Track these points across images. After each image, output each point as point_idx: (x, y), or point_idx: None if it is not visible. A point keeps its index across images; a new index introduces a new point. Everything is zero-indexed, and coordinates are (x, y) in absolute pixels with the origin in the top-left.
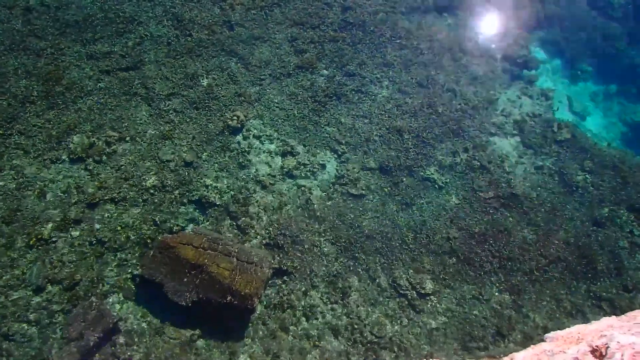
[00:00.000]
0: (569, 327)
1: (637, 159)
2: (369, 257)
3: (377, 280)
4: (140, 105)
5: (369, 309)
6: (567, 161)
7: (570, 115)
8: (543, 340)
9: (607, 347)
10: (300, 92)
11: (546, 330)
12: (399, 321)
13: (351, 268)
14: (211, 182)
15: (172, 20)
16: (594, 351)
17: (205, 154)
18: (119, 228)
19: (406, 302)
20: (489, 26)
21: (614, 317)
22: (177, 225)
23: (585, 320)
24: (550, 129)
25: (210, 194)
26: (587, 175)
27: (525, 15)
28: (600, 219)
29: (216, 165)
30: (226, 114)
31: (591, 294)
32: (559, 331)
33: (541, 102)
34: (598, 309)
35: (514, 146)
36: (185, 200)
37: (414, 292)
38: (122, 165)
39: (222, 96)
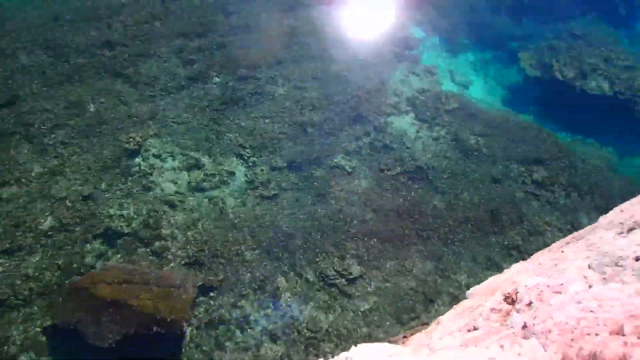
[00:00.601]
0: (486, 280)
1: (518, 117)
2: (293, 254)
3: (305, 276)
4: (20, 144)
5: (302, 306)
6: (459, 128)
7: (455, 86)
8: (466, 298)
9: (517, 292)
10: (196, 103)
11: (469, 287)
12: (333, 311)
13: (277, 269)
14: (115, 212)
15: (44, 47)
16: (506, 298)
17: (104, 183)
18: (18, 282)
19: (337, 291)
20: (372, 13)
21: (522, 262)
22: (85, 264)
23: (500, 271)
24: (440, 101)
25: (117, 223)
26: (478, 138)
27: None
28: (497, 175)
29: (118, 192)
30: (120, 137)
31: (501, 245)
32: (477, 286)
33: (427, 78)
34: (510, 257)
35: (410, 122)
36: (89, 236)
37: (343, 279)
38: (10, 212)
39: (113, 120)
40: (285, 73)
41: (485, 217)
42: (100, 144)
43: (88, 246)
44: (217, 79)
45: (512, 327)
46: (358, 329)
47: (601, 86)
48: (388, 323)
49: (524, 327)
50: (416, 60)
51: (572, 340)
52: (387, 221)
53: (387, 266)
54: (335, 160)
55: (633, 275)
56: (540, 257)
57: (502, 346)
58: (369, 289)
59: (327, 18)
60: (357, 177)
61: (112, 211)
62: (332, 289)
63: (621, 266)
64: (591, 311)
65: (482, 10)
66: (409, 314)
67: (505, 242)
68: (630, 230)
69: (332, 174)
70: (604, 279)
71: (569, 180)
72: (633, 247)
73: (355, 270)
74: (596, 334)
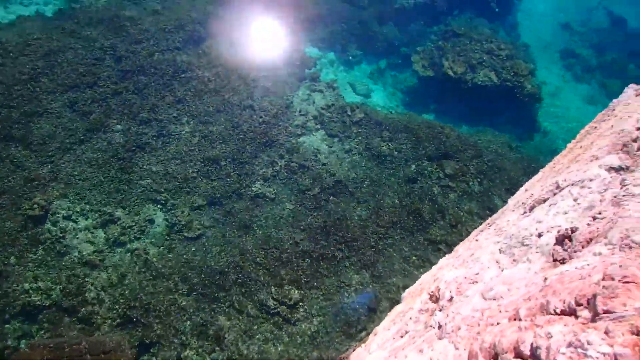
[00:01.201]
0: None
1: (420, 118)
2: (229, 291)
3: (246, 311)
4: None
5: (248, 342)
6: (369, 137)
7: (357, 97)
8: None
9: (439, 289)
10: (100, 155)
11: (406, 289)
12: (280, 341)
13: (216, 310)
14: (31, 285)
15: None
16: (431, 297)
17: (12, 257)
18: None
19: (280, 319)
20: (266, 40)
21: (446, 256)
22: (8, 347)
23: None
24: (346, 114)
25: (34, 298)
26: (388, 144)
27: (291, 21)
28: (412, 175)
29: (30, 264)
30: (23, 205)
31: (429, 241)
32: (410, 288)
33: (330, 94)
34: (438, 252)
35: (321, 139)
36: (7, 317)
37: (284, 307)
38: None
39: (12, 187)
40: (188, 110)
41: (409, 217)
42: (1, 216)
43: (8, 327)
44: (118, 127)
45: (434, 328)
46: (308, 354)
47: (489, 77)
48: (337, 340)
49: (439, 326)
50: (316, 78)
51: (478, 333)
52: (317, 240)
53: (326, 284)
54: (254, 189)
55: (537, 252)
56: (460, 249)
57: (420, 351)
58: (312, 310)
59: (223, 49)
60: (280, 202)
61: (27, 285)
62: (276, 318)
63: (527, 245)
64: (494, 299)
65: (370, 23)
66: (355, 327)
67: (432, 238)
68: (532, 208)
69: (255, 203)
70: (513, 260)
71: (478, 168)
72: (535, 225)
73: (295, 295)
74: (497, 323)
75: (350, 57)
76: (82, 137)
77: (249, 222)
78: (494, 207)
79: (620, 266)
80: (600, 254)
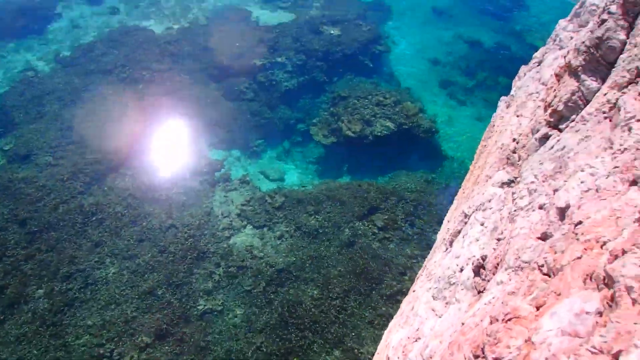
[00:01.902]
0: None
1: (337, 182)
2: None
3: None
4: None
5: None
6: (295, 217)
7: (273, 183)
8: None
9: (388, 357)
10: (27, 329)
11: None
12: None
13: None
14: None
15: None
16: None
17: None
18: None
19: None
20: (169, 159)
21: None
22: None
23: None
24: (267, 203)
25: None
26: (316, 217)
27: (189, 131)
28: (348, 239)
29: None
30: None
31: (385, 297)
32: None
33: (245, 188)
34: (398, 304)
35: (251, 234)
36: None
37: None
38: None
39: None
40: (109, 250)
41: (359, 280)
42: None
43: None
44: (39, 292)
45: None
46: None
47: (386, 125)
48: None
49: None
50: (227, 178)
51: None
52: (278, 336)
53: None
54: (200, 307)
55: (463, 289)
56: (403, 304)
57: None
58: None
59: (128, 178)
60: (230, 310)
61: None
62: None
63: (454, 284)
64: (430, 357)
65: (262, 111)
66: None
67: (387, 293)
68: (451, 242)
69: (204, 321)
70: (446, 303)
71: (405, 211)
72: (455, 261)
73: None
74: None
75: (255, 148)
76: (1, 317)
77: (204, 343)
78: (432, 242)
79: (502, 302)
80: (501, 282)
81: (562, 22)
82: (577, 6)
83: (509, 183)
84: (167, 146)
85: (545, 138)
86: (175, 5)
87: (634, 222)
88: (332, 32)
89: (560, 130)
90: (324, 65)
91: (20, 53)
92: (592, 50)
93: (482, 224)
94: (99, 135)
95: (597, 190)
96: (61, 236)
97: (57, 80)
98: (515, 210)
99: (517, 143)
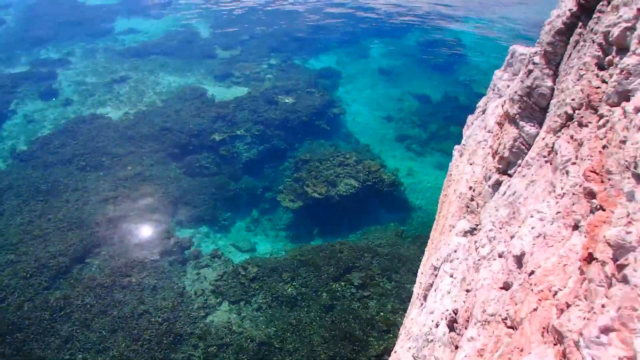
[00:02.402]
0: None
1: (309, 246)
2: None
3: None
4: None
5: None
6: (271, 286)
7: (245, 254)
8: None
9: None
10: None
11: None
12: None
13: None
14: None
15: None
16: None
17: None
18: None
19: None
20: (133, 238)
21: None
22: None
23: None
24: (241, 275)
25: None
26: (292, 284)
27: (153, 212)
28: (327, 302)
29: None
30: None
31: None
32: None
33: (217, 263)
34: None
35: (228, 310)
36: None
37: None
38: None
39: None
40: (80, 345)
41: (344, 344)
42: None
43: None
44: None
45: None
46: None
47: (350, 184)
48: None
49: None
50: (198, 254)
51: None
52: None
53: None
54: None
55: (440, 345)
56: None
57: None
58: None
59: (97, 269)
60: None
61: None
62: None
63: (431, 341)
64: None
65: (227, 183)
66: None
67: (374, 354)
68: (425, 297)
69: None
70: None
71: (381, 266)
72: (430, 317)
73: None
74: None
75: (223, 221)
76: None
77: None
78: (411, 294)
79: None
80: (471, 338)
81: (497, 72)
82: (508, 57)
83: (471, 231)
84: (133, 229)
85: (498, 184)
86: (130, 91)
87: (577, 269)
88: (287, 101)
89: (510, 176)
90: (282, 133)
91: None
92: (525, 99)
93: (451, 275)
94: (61, 226)
95: (544, 237)
96: (28, 336)
97: (14, 175)
98: (478, 260)
99: (474, 191)
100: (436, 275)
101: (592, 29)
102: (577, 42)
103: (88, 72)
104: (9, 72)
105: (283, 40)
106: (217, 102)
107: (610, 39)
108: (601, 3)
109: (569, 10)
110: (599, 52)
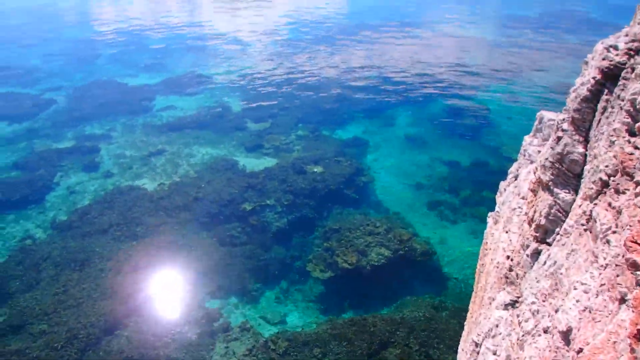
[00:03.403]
0: None
1: (341, 319)
2: None
3: None
4: None
5: None
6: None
7: (274, 327)
8: None
9: None
10: None
11: None
12: None
13: None
14: None
15: None
16: None
17: None
18: None
19: None
20: (162, 310)
21: None
22: None
23: None
24: (270, 350)
25: None
26: (325, 359)
27: (182, 284)
28: None
29: None
30: None
31: None
32: None
33: (247, 336)
34: None
35: None
36: None
37: None
38: None
39: None
40: None
41: None
42: None
43: None
44: None
45: None
46: None
47: (381, 253)
48: None
49: None
50: (227, 327)
51: None
52: None
53: None
54: None
55: None
56: None
57: None
58: None
59: (125, 342)
60: None
61: None
62: None
63: None
64: None
65: (256, 253)
66: None
67: None
68: None
69: None
70: None
71: (419, 342)
72: None
73: None
74: None
75: (252, 292)
76: None
77: None
78: None
79: None
80: None
81: (527, 138)
82: (537, 122)
83: (513, 304)
84: (162, 301)
85: (537, 253)
86: (165, 163)
87: (628, 346)
88: (315, 170)
89: (549, 245)
90: (312, 202)
91: (19, 223)
92: (557, 165)
93: (494, 353)
94: (94, 295)
95: (590, 311)
96: None
97: (53, 245)
98: (522, 336)
99: (512, 260)
100: (478, 352)
101: (619, 95)
102: (604, 108)
103: (128, 146)
104: (55, 147)
105: (310, 112)
106: (247, 172)
107: (638, 106)
108: (625, 70)
109: (593, 78)
110: (627, 118)
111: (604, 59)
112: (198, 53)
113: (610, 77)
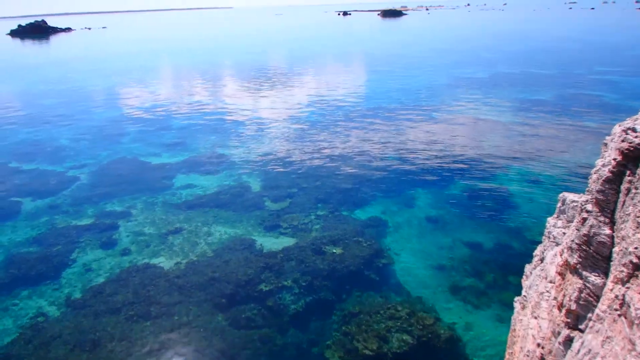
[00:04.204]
0: None
1: None
2: None
3: None
4: None
5: None
6: None
7: None
8: None
9: None
10: None
11: None
12: None
13: None
14: None
15: None
16: None
17: None
18: None
19: None
20: None
21: None
22: None
23: None
24: None
25: None
26: None
27: None
28: None
29: None
30: None
31: None
32: None
33: None
34: None
35: None
36: None
37: None
38: None
39: None
40: None
41: None
42: None
43: None
44: None
45: None
46: None
47: (403, 339)
48: None
49: None
50: None
51: None
52: None
53: None
54: None
55: None
56: None
57: None
58: None
59: None
60: None
61: None
62: None
63: None
64: None
65: (273, 337)
66: None
67: None
68: None
69: None
70: None
71: None
72: None
73: None
74: None
75: None
76: None
77: None
78: None
79: None
80: None
81: (550, 220)
82: (559, 204)
83: None
84: None
85: (569, 340)
86: (183, 242)
87: None
88: (334, 251)
89: (582, 331)
90: (330, 284)
91: (32, 299)
92: (584, 247)
93: None
94: None
95: None
96: None
97: (65, 324)
98: None
99: (543, 348)
100: None
101: None
102: (628, 190)
103: (146, 224)
104: (75, 224)
105: (329, 192)
106: (265, 252)
107: None
108: None
109: (614, 159)
110: None
111: (623, 141)
112: (219, 133)
113: (631, 158)
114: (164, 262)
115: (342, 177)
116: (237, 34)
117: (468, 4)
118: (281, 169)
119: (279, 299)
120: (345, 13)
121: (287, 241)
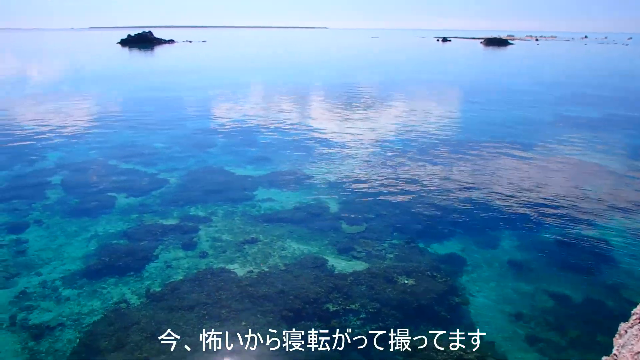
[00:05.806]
0: None
1: None
2: None
3: None
4: None
5: None
6: None
7: None
8: None
9: None
10: None
11: None
12: None
13: None
14: None
15: None
16: None
17: None
18: None
19: None
20: None
21: None
22: None
23: None
24: None
25: None
26: None
27: None
28: None
29: None
30: None
31: None
32: None
33: None
34: None
35: None
36: None
37: None
38: None
39: None
40: None
41: None
42: None
43: None
44: None
45: None
46: None
47: None
48: None
49: None
50: None
51: None
52: None
53: None
54: None
55: None
56: None
57: None
58: None
59: None
60: None
61: None
62: None
63: None
64: None
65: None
66: None
67: None
68: None
69: None
70: None
71: None
72: None
73: None
74: None
75: None
76: None
77: None
78: None
79: None
80: None
81: None
82: None
83: None
84: None
85: None
86: (257, 252)
87: None
88: (406, 281)
89: None
90: (398, 314)
91: (118, 287)
92: None
93: None
94: None
95: None
96: None
97: (143, 312)
98: None
99: None
100: None
101: None
102: None
103: (225, 231)
104: (161, 223)
105: (407, 222)
106: (335, 273)
107: None
108: None
109: None
110: None
111: None
112: (303, 152)
113: None
114: (238, 269)
115: (422, 208)
116: (333, 55)
117: (585, 36)
118: (360, 193)
119: (344, 321)
120: (445, 39)
121: (358, 265)
